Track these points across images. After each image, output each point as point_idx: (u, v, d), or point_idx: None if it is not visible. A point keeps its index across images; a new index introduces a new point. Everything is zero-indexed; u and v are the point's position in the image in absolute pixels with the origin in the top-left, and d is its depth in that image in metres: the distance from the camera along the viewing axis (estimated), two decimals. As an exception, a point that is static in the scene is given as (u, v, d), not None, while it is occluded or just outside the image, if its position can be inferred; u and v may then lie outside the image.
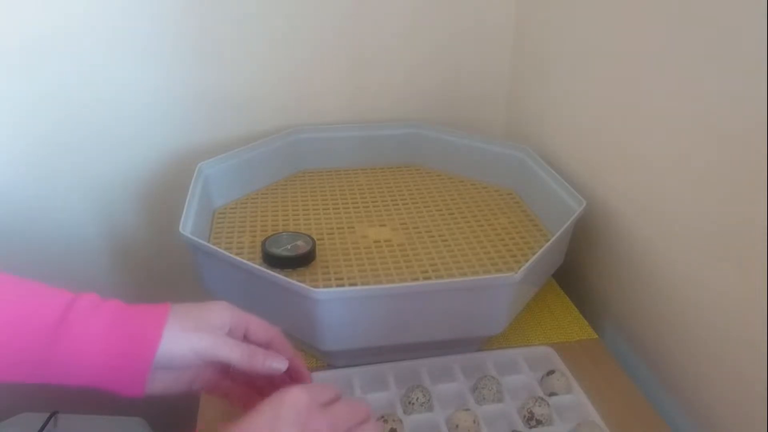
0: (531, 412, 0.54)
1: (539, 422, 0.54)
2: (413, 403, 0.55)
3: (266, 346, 0.49)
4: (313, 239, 0.71)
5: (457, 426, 0.53)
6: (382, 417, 0.53)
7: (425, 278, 0.67)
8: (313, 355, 0.65)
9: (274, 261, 0.68)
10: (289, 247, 0.69)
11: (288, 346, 0.50)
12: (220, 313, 0.48)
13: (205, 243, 0.62)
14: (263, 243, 0.70)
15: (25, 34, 0.79)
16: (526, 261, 0.59)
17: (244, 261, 0.58)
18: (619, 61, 0.67)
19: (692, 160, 0.56)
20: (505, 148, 0.87)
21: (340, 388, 0.57)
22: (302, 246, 0.69)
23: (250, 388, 0.51)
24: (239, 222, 0.79)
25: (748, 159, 0.49)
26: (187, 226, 0.65)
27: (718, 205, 0.53)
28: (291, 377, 0.50)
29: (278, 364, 0.48)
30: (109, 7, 0.80)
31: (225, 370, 0.50)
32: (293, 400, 0.41)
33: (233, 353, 0.46)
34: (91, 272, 0.97)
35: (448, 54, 0.93)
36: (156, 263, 1.00)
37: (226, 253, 0.60)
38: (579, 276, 0.79)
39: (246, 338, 0.49)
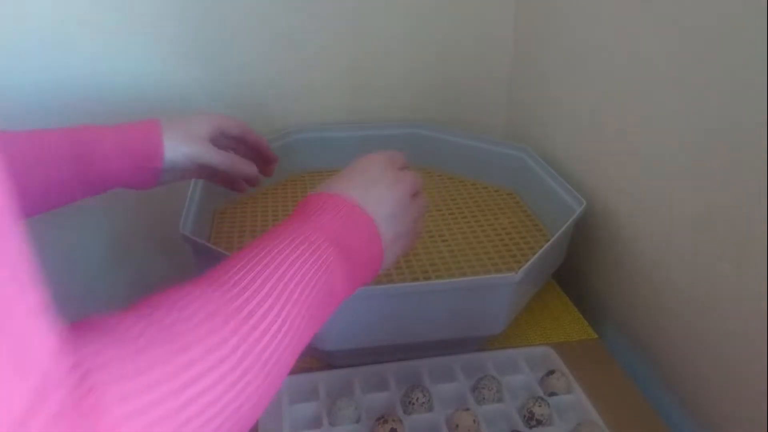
0: (531, 412, 0.54)
1: (539, 422, 0.54)
2: (413, 403, 0.55)
3: (240, 137, 0.68)
4: None
5: (457, 426, 0.53)
6: (382, 417, 0.53)
7: (425, 278, 0.67)
8: (313, 355, 0.65)
9: None
10: None
11: (256, 136, 0.69)
12: (201, 124, 0.62)
13: (206, 243, 0.62)
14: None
15: (26, 33, 0.79)
16: (526, 261, 0.59)
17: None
18: (619, 61, 0.67)
19: (692, 160, 0.56)
20: (505, 148, 0.87)
21: (341, 388, 0.58)
22: None
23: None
24: (239, 222, 0.79)
25: (748, 159, 0.49)
26: (187, 226, 0.65)
27: (719, 205, 0.53)
28: (262, 159, 0.71)
29: (250, 169, 0.65)
30: (110, 6, 0.80)
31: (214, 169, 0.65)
32: (377, 161, 0.48)
33: (216, 159, 0.62)
34: (90, 271, 0.97)
35: (448, 54, 0.93)
36: (156, 263, 1.00)
37: (226, 253, 0.60)
38: (579, 276, 0.79)
39: (223, 133, 0.65)
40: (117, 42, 0.82)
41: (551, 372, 0.59)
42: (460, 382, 0.58)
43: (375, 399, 0.56)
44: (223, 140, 0.66)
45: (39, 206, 0.58)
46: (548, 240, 0.70)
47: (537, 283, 0.69)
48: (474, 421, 0.53)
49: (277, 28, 0.87)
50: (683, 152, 0.57)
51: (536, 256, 0.60)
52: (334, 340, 0.59)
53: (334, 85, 0.93)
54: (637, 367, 0.67)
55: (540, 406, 0.54)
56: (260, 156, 0.71)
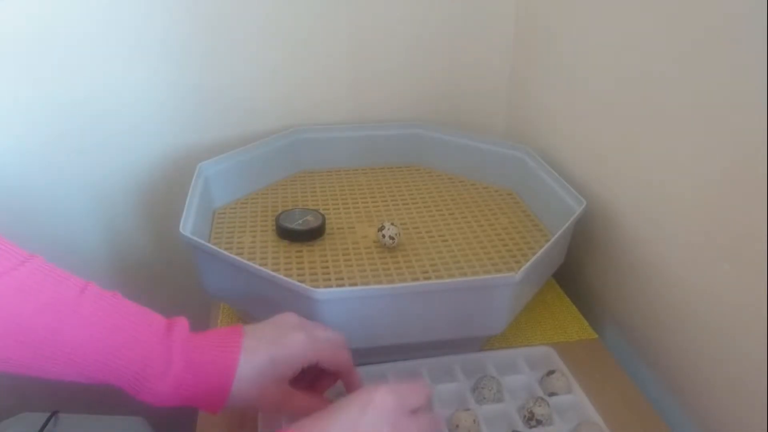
0: (531, 412, 0.54)
1: (539, 422, 0.54)
2: (413, 403, 0.55)
3: (335, 372, 0.52)
4: (322, 215, 0.76)
5: (457, 426, 0.53)
6: (382, 417, 0.53)
7: (425, 278, 0.67)
8: (313, 355, 0.65)
9: (287, 234, 0.74)
10: (300, 221, 0.74)
11: (353, 373, 0.52)
12: (291, 360, 0.48)
13: (206, 243, 0.62)
14: (277, 218, 0.75)
15: (26, 34, 0.79)
16: (526, 261, 0.59)
17: (244, 261, 0.58)
18: (620, 61, 0.67)
19: (692, 160, 0.56)
20: (505, 148, 0.87)
21: (341, 388, 0.58)
22: (312, 221, 0.75)
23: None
24: (239, 222, 0.79)
25: (748, 159, 0.49)
26: (187, 226, 0.65)
27: (718, 205, 0.53)
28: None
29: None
30: (111, 6, 0.80)
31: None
32: (381, 402, 0.40)
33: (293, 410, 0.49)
34: (91, 272, 0.97)
35: (448, 54, 0.93)
36: (156, 263, 1.00)
37: (226, 253, 0.60)
38: (579, 276, 0.79)
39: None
40: (117, 43, 0.82)
41: (551, 372, 0.59)
42: (460, 382, 0.58)
43: (375, 399, 0.56)
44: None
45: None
46: (548, 240, 0.70)
47: (537, 283, 0.69)
48: (474, 421, 0.53)
49: (279, 28, 0.87)
50: (683, 152, 0.57)
51: (536, 256, 0.60)
52: (334, 340, 0.59)
53: (334, 85, 0.93)
54: (637, 367, 0.67)
55: (540, 406, 0.54)
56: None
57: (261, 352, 0.48)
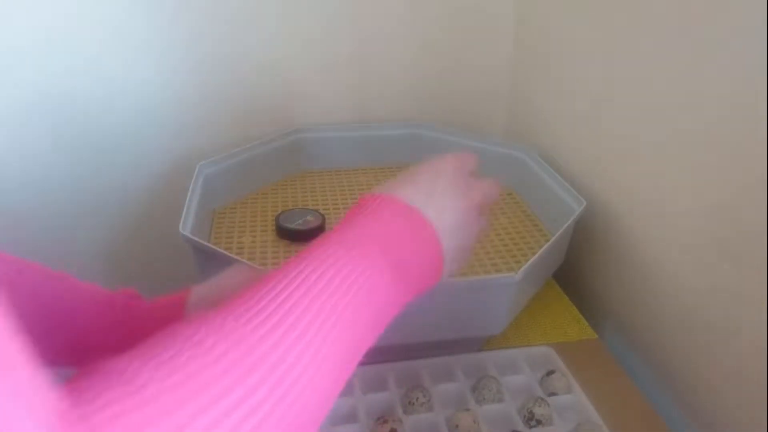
0: (531, 412, 0.54)
1: (539, 422, 0.54)
2: (413, 403, 0.55)
3: None
4: (322, 215, 0.76)
5: (457, 426, 0.53)
6: (382, 417, 0.53)
7: (425, 278, 0.67)
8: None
9: (287, 234, 0.74)
10: (300, 221, 0.75)
11: None
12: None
13: (205, 243, 0.62)
14: (277, 218, 0.75)
15: (26, 34, 0.79)
16: (526, 261, 0.59)
17: (244, 261, 0.58)
18: (620, 61, 0.67)
19: (692, 160, 0.56)
20: (505, 148, 0.87)
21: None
22: (312, 221, 0.75)
23: None
24: (239, 222, 0.79)
25: (748, 159, 0.49)
26: (187, 226, 0.65)
27: (718, 205, 0.53)
28: None
29: None
30: (110, 7, 0.80)
31: None
32: (447, 168, 0.46)
33: None
34: (91, 272, 0.97)
35: (448, 54, 0.93)
36: (156, 263, 1.00)
37: (226, 253, 0.60)
38: (579, 276, 0.79)
39: None
40: (117, 43, 0.82)
41: (551, 372, 0.59)
42: (460, 382, 0.58)
43: (375, 399, 0.56)
44: None
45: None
46: (548, 240, 0.70)
47: (537, 283, 0.69)
48: (474, 421, 0.53)
49: (278, 28, 0.87)
50: (683, 152, 0.57)
51: (536, 256, 0.59)
52: (334, 340, 0.58)
53: (334, 85, 0.93)
54: (637, 367, 0.67)
55: (540, 406, 0.54)
56: None
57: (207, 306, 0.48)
